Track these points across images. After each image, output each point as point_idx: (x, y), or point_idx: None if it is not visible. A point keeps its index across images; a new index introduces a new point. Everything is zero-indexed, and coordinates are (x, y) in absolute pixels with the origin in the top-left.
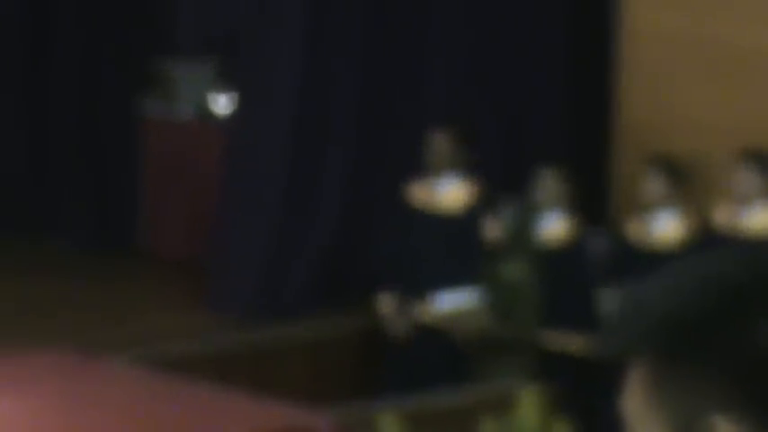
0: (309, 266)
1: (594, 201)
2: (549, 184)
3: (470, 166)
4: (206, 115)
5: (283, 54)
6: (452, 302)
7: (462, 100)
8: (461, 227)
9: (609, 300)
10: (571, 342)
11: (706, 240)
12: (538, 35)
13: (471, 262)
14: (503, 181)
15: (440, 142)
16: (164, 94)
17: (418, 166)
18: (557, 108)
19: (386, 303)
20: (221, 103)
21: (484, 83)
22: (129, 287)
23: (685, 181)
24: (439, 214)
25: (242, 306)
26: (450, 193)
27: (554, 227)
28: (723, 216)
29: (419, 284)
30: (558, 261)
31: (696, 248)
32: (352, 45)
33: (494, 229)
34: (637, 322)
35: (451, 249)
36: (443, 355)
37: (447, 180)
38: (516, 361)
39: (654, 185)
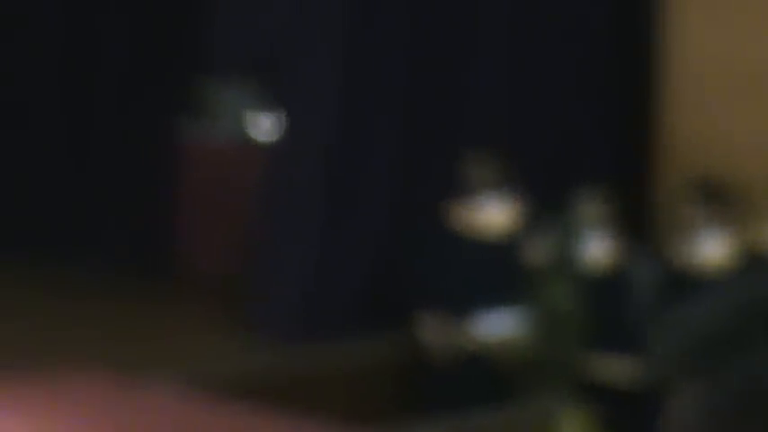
0: (350, 288)
1: (638, 222)
2: (592, 205)
3: (512, 186)
4: (245, 136)
5: (324, 74)
6: (495, 326)
7: (504, 120)
8: (503, 248)
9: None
10: (614, 366)
11: (750, 262)
12: (580, 54)
13: (514, 284)
14: (545, 201)
15: (481, 163)
16: (203, 114)
17: (460, 187)
18: (600, 128)
19: (427, 326)
20: (260, 124)
21: (526, 103)
22: (167, 309)
23: (728, 202)
24: (481, 236)
25: (281, 328)
26: (491, 213)
27: (598, 249)
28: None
29: (461, 307)
30: (602, 283)
31: (739, 271)
32: (393, 64)
33: (536, 250)
34: (680, 345)
35: (494, 271)
36: (485, 379)
37: (489, 201)
38: (559, 385)
39: (696, 208)
